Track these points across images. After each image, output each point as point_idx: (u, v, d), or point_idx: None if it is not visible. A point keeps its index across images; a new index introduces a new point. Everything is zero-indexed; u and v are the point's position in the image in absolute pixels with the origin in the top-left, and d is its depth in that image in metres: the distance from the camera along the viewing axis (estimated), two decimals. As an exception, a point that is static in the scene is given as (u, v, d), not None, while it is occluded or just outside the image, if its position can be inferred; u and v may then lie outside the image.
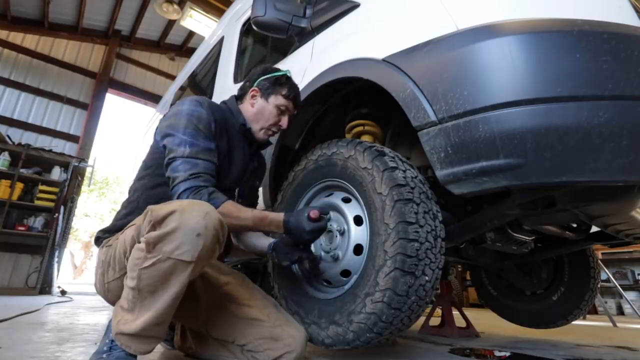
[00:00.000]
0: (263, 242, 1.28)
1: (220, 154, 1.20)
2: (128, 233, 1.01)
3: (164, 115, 1.21)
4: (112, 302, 1.07)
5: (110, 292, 1.08)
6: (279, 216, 1.12)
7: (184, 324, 1.26)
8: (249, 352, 1.09)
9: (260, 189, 1.71)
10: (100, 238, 1.16)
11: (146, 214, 0.91)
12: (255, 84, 1.34)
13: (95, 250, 1.23)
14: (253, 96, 1.34)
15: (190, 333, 1.25)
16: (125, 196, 1.24)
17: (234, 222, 1.06)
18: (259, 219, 1.11)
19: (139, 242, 0.91)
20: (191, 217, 0.86)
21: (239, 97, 1.39)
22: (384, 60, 1.21)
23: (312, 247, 1.38)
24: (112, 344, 0.94)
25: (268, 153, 1.67)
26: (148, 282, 0.87)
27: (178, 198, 1.03)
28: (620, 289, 4.52)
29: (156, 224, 0.87)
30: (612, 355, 1.69)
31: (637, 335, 2.89)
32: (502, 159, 0.91)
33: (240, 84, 1.44)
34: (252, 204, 1.48)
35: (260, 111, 1.32)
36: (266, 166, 1.59)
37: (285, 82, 1.33)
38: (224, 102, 1.38)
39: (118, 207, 1.24)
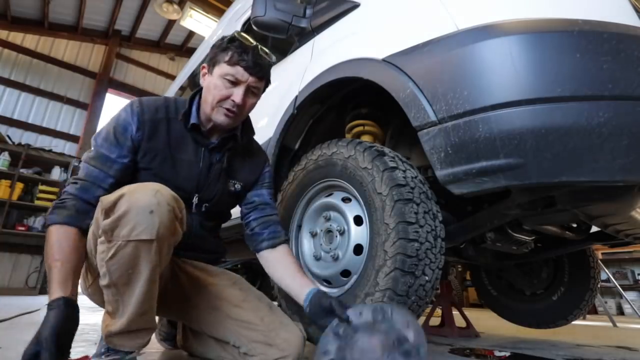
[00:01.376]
0: (299, 290, 1.07)
1: (155, 157, 1.07)
2: (89, 233, 0.96)
3: None
4: (101, 303, 1.04)
5: (94, 295, 1.06)
6: (63, 291, 0.85)
7: (184, 323, 1.25)
8: (245, 355, 1.08)
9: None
10: None
11: (99, 205, 0.88)
12: (207, 61, 1.14)
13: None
14: (203, 75, 1.14)
15: (190, 332, 1.25)
16: None
17: (47, 249, 0.91)
18: (58, 276, 0.87)
19: (100, 237, 0.87)
20: (141, 196, 0.84)
21: None
22: (384, 60, 1.21)
23: (312, 248, 1.38)
24: (109, 346, 0.94)
25: (268, 153, 1.67)
26: (119, 274, 0.85)
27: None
28: (620, 289, 4.52)
29: (108, 211, 0.84)
30: (612, 355, 1.69)
31: (637, 335, 2.89)
32: (502, 159, 0.91)
33: None
34: (228, 212, 1.30)
35: (207, 88, 1.10)
36: (262, 161, 1.30)
37: (227, 46, 1.07)
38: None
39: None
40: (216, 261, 1.31)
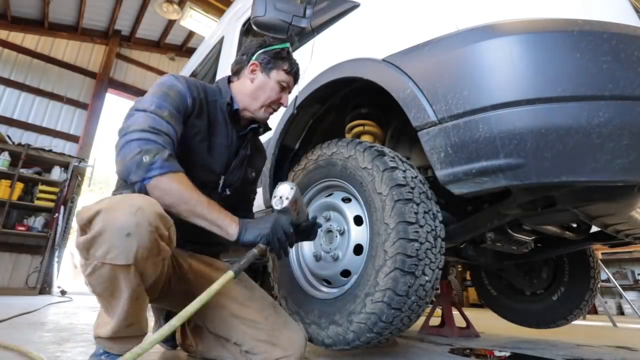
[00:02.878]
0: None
1: (197, 135, 1.12)
2: None
3: None
4: None
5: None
6: (234, 218, 0.98)
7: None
8: (247, 354, 1.08)
9: (260, 189, 1.70)
10: None
11: (76, 216, 0.84)
12: (254, 58, 1.23)
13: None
14: (253, 70, 1.22)
15: (189, 330, 1.24)
16: None
17: (181, 197, 0.91)
18: (216, 209, 0.96)
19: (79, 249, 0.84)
20: (118, 215, 0.77)
21: (236, 73, 1.27)
22: (384, 60, 1.21)
23: (312, 248, 1.38)
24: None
25: (268, 153, 1.67)
26: (101, 288, 0.83)
27: (122, 148, 0.90)
28: (620, 289, 4.52)
29: (84, 227, 0.79)
30: (612, 355, 1.69)
31: (637, 335, 2.89)
32: (502, 159, 0.91)
33: None
34: (245, 196, 1.38)
35: (261, 87, 1.21)
36: (266, 155, 1.48)
37: (286, 56, 1.24)
38: (216, 83, 1.29)
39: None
40: (221, 253, 1.32)
